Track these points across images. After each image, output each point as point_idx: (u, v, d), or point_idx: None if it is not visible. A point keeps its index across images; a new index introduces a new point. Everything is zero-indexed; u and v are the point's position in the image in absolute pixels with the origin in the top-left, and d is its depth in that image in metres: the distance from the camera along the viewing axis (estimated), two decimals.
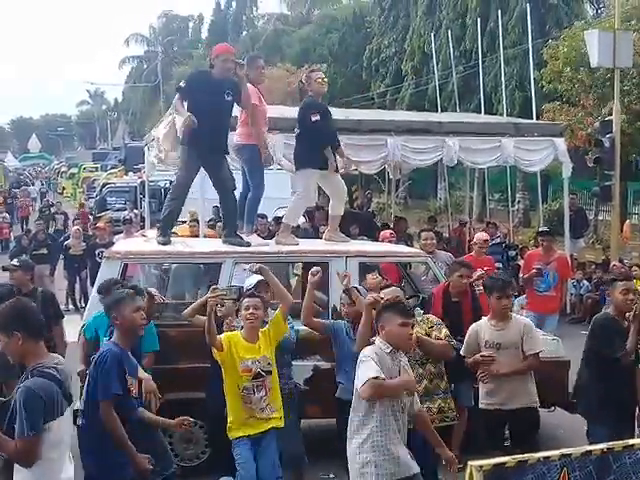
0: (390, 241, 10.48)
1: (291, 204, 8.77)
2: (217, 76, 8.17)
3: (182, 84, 8.36)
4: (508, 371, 6.23)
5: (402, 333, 4.93)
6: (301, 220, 12.46)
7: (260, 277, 6.52)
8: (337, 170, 8.47)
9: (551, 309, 10.44)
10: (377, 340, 4.99)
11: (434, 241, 9.85)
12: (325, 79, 8.63)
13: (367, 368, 4.76)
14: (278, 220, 13.88)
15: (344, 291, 6.57)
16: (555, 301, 10.61)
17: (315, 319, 6.65)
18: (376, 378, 4.70)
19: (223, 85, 8.14)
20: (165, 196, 23.61)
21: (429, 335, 6.43)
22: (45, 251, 15.27)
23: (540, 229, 12.16)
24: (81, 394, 6.00)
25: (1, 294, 5.52)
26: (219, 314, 6.13)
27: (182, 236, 11.19)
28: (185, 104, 8.11)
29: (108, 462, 4.83)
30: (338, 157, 8.50)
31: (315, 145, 8.33)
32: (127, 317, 5.07)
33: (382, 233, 11.45)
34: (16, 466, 4.15)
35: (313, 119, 8.25)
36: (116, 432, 4.78)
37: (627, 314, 6.08)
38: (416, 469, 4.95)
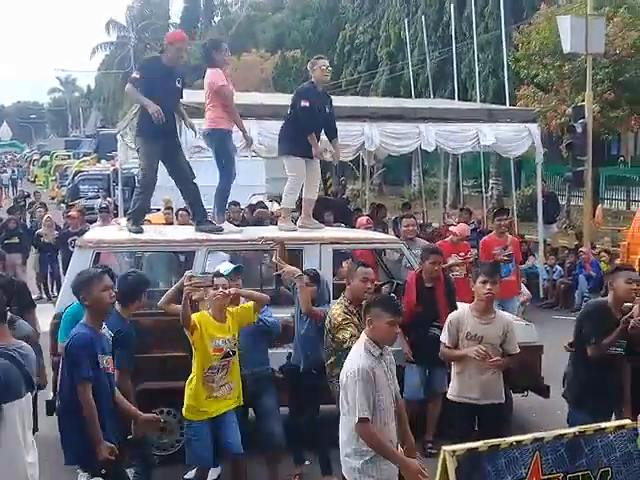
0: (367, 228, 10.48)
1: (286, 189, 8.76)
2: (168, 63, 8.19)
3: (136, 75, 8.19)
4: (494, 366, 6.13)
5: (390, 331, 4.86)
6: (275, 207, 12.42)
7: (235, 265, 6.58)
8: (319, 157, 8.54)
9: (513, 293, 10.52)
10: (364, 340, 4.88)
11: (415, 228, 9.84)
12: (329, 68, 8.66)
13: (360, 395, 4.63)
14: (253, 207, 13.90)
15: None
16: (515, 285, 10.71)
17: (315, 308, 6.73)
18: (366, 420, 4.60)
19: (174, 72, 8.22)
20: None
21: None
22: (17, 240, 15.09)
23: (497, 209, 12.22)
24: (55, 384, 6.02)
25: None
26: (194, 297, 6.12)
27: (156, 224, 11.14)
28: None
29: (86, 444, 4.85)
30: (332, 148, 8.55)
31: (300, 131, 8.37)
32: (96, 296, 5.06)
33: (359, 220, 11.45)
34: None
35: (302, 104, 8.31)
36: (89, 414, 4.82)
37: (624, 305, 5.99)
38: None
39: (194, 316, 5.96)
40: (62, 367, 5.07)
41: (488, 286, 6.13)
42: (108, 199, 22.18)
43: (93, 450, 4.86)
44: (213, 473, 6.72)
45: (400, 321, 4.98)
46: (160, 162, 8.24)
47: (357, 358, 4.77)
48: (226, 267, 6.62)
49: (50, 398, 6.87)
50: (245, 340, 6.35)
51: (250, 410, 6.77)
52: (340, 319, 6.13)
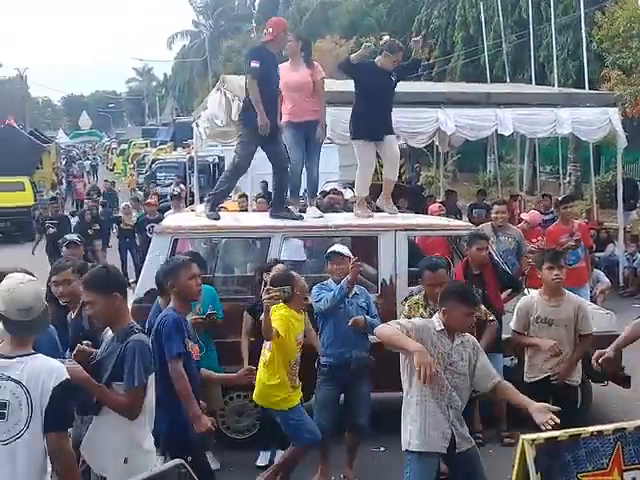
0: (439, 215, 10.40)
1: (357, 175, 8.79)
2: (274, 50, 8.30)
3: (255, 64, 8.03)
4: (569, 353, 6.09)
5: (465, 322, 4.87)
6: (349, 194, 12.41)
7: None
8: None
9: (583, 281, 10.17)
10: (434, 317, 4.93)
11: (506, 215, 9.68)
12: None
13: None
14: (326, 194, 13.93)
15: None
16: (585, 272, 10.35)
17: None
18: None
19: (277, 60, 8.37)
20: (214, 171, 23.97)
21: None
22: (97, 227, 15.47)
23: (561, 197, 11.88)
24: None
25: (80, 267, 5.67)
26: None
27: (231, 211, 11.27)
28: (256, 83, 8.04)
29: (177, 416, 4.94)
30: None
31: (362, 112, 8.41)
32: (183, 284, 5.12)
33: (431, 207, 11.37)
34: (106, 429, 4.27)
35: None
36: (184, 389, 4.91)
37: None
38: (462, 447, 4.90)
39: (281, 317, 6.02)
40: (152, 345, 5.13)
41: (555, 271, 6.12)
42: (181, 186, 22.54)
43: (181, 434, 4.94)
44: (263, 458, 6.92)
45: (476, 312, 4.95)
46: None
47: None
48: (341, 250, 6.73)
49: None
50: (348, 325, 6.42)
51: None
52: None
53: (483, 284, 7.26)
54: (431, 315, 5.41)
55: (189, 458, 4.34)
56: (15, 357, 3.74)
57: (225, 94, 12.16)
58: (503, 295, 7.51)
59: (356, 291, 6.55)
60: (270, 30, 8.30)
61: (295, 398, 6.17)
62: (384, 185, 8.78)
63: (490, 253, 7.57)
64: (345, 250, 6.69)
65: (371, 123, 8.37)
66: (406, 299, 6.72)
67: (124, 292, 4.38)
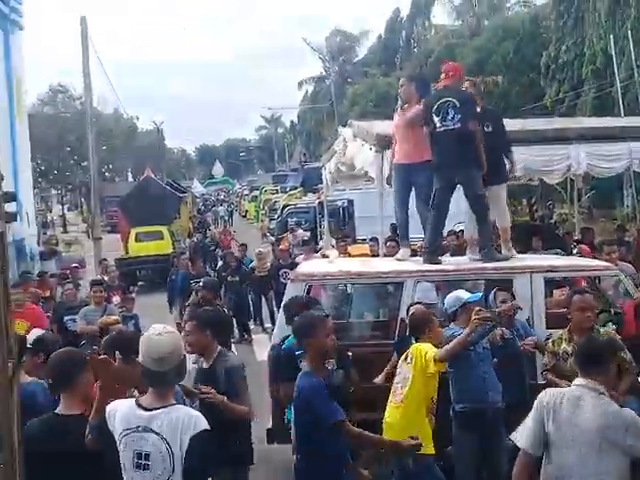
0: (592, 256, 10.14)
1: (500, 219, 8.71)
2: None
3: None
4: None
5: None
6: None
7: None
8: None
9: None
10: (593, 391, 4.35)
11: (617, 254, 9.66)
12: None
13: None
14: (456, 234, 13.80)
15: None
16: None
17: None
18: None
19: None
20: (344, 215, 24.11)
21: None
22: (237, 278, 15.78)
23: None
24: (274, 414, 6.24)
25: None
26: None
27: (357, 255, 11.36)
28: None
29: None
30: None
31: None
32: (319, 341, 5.03)
33: (582, 247, 11.19)
34: None
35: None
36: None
37: None
38: None
39: (428, 347, 5.96)
40: (298, 416, 5.05)
41: None
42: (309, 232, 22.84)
43: None
44: None
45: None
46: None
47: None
48: (467, 295, 6.64)
49: (269, 426, 7.16)
50: (487, 366, 6.32)
51: None
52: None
53: None
54: (574, 349, 5.23)
55: None
56: (156, 409, 3.83)
57: (353, 138, 12.30)
58: None
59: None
60: (450, 74, 8.35)
61: (430, 444, 5.93)
62: (501, 233, 8.62)
63: None
64: (466, 295, 6.60)
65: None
66: (547, 338, 6.56)
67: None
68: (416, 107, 8.49)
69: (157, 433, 3.76)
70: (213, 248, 25.66)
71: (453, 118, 8.00)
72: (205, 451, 3.81)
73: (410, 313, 6.48)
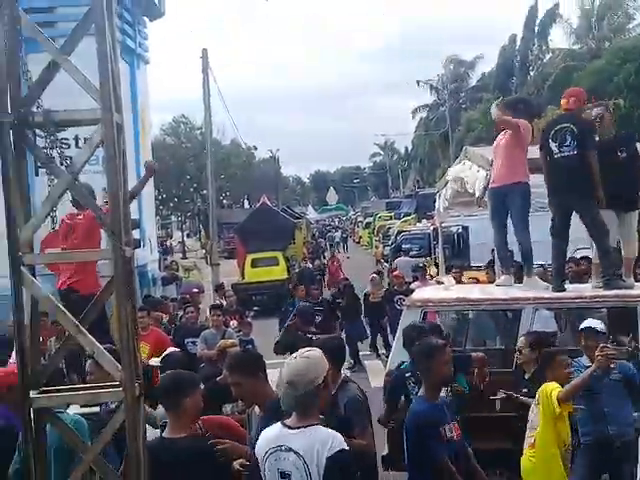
0: None
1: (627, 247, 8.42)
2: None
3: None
4: None
5: None
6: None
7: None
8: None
9: None
10: None
11: None
12: None
13: None
14: (575, 261, 13.44)
15: None
16: None
17: None
18: None
19: None
20: (458, 242, 23.92)
21: None
22: (351, 304, 15.90)
23: None
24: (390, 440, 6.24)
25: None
26: None
27: (472, 282, 11.21)
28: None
29: None
30: None
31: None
32: (436, 370, 5.07)
33: None
34: None
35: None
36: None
37: None
38: None
39: (554, 386, 5.80)
40: (408, 440, 5.10)
41: None
42: (428, 258, 22.69)
43: None
44: None
45: None
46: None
47: None
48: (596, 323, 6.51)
49: (385, 453, 7.16)
50: (608, 396, 6.14)
51: None
52: None
53: None
54: None
55: None
56: (297, 428, 3.91)
57: (469, 165, 12.22)
58: None
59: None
60: (572, 99, 8.26)
61: None
62: (624, 260, 8.34)
63: None
64: (600, 326, 6.41)
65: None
66: None
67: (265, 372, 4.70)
68: (515, 126, 8.39)
69: (296, 452, 3.85)
70: (319, 275, 25.79)
71: (570, 145, 7.86)
72: (343, 470, 3.83)
73: (529, 338, 6.39)
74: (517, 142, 8.38)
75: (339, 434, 3.91)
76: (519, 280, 8.55)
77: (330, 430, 3.94)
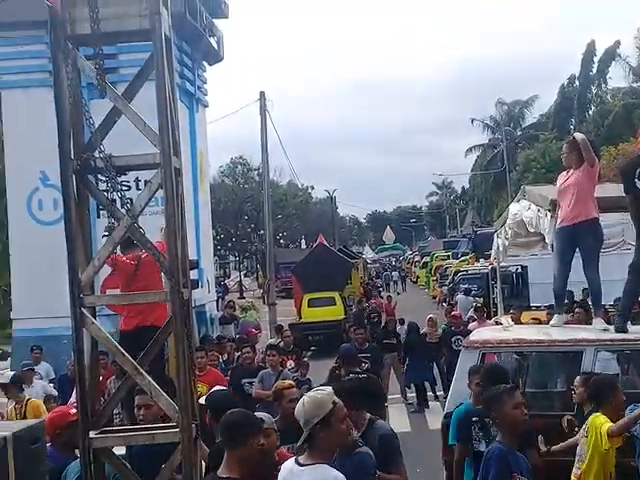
0: None
1: None
2: None
3: None
4: None
5: None
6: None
7: None
8: None
9: None
10: None
11: None
12: None
13: None
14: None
15: None
16: None
17: None
18: None
19: None
20: (517, 282, 23.63)
21: None
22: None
23: None
24: None
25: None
26: None
27: (531, 322, 11.03)
28: None
29: None
30: None
31: None
32: (507, 414, 4.88)
33: None
34: None
35: None
36: None
37: None
38: None
39: (604, 419, 5.72)
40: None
41: None
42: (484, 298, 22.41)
43: None
44: None
45: None
46: None
47: None
48: None
49: None
50: None
51: None
52: None
53: None
54: None
55: None
56: (305, 465, 4.03)
57: (527, 204, 12.10)
58: None
59: None
60: None
61: None
62: None
63: None
64: None
65: None
66: None
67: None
68: (585, 168, 8.29)
69: None
70: (376, 317, 25.54)
71: None
72: None
73: (592, 378, 6.25)
74: (589, 178, 8.24)
75: (341, 475, 3.97)
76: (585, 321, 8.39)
77: (333, 470, 3.99)
